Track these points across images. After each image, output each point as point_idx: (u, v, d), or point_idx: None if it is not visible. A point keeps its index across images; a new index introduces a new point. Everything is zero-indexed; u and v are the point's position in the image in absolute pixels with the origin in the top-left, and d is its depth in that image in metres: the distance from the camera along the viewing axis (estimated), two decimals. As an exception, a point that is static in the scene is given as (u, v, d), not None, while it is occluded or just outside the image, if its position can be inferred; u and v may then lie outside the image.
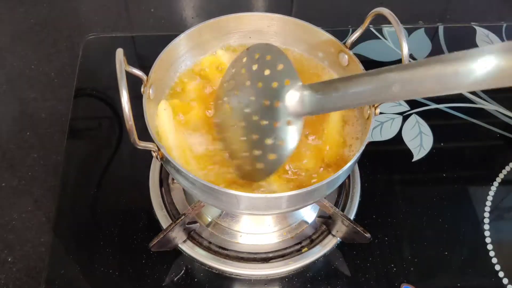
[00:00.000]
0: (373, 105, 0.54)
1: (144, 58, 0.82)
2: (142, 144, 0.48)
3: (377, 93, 0.42)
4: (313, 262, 0.62)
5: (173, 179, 0.67)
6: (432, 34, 0.88)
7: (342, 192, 0.68)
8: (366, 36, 0.86)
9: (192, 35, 0.60)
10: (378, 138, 0.74)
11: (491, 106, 0.79)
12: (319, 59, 0.64)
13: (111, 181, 0.69)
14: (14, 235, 0.64)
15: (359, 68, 0.57)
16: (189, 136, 0.57)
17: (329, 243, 0.64)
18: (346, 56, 0.59)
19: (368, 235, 0.60)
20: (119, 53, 0.47)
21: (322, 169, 0.56)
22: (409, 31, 0.89)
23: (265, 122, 0.51)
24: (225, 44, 0.64)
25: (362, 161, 0.71)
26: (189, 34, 0.60)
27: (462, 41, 0.88)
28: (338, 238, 0.64)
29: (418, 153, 0.73)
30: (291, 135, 0.49)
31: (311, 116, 0.55)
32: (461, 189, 0.70)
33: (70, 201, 0.66)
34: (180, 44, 0.60)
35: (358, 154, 0.51)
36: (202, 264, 0.62)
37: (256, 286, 0.61)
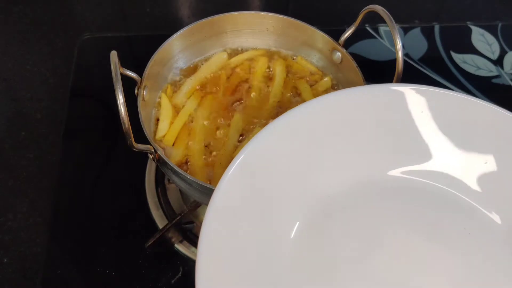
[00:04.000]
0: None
1: (140, 58, 0.82)
2: (139, 147, 0.48)
3: None
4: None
5: (169, 179, 0.67)
6: (428, 34, 0.89)
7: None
8: (362, 35, 0.86)
9: (185, 35, 0.60)
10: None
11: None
12: (313, 58, 0.64)
13: (107, 181, 0.69)
14: (9, 236, 0.63)
15: (353, 64, 0.57)
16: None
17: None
18: (339, 54, 0.60)
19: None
20: (113, 55, 0.46)
21: None
22: (405, 30, 0.89)
23: None
24: (220, 44, 0.64)
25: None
26: (182, 34, 0.60)
27: (458, 40, 0.88)
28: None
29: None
30: None
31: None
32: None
33: (65, 202, 0.66)
34: (173, 45, 0.60)
35: None
36: (198, 264, 0.62)
37: (252, 285, 0.61)
